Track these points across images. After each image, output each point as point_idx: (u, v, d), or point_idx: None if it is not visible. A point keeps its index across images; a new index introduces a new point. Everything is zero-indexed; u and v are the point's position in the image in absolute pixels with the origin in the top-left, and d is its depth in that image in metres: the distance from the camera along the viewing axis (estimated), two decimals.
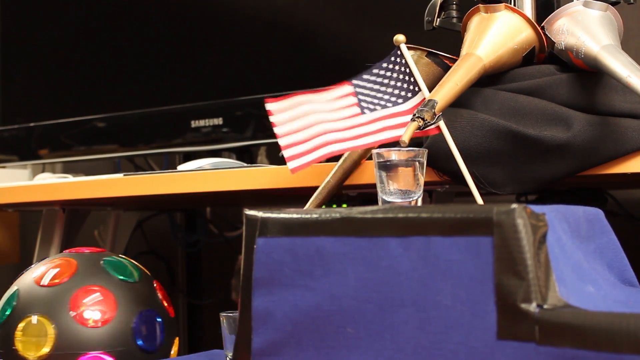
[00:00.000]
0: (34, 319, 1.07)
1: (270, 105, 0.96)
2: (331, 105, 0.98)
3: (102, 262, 1.14)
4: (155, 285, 1.16)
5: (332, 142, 0.95)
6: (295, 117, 0.96)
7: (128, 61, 1.70)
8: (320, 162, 0.98)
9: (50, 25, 1.83)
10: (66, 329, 1.07)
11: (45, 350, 1.07)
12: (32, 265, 1.16)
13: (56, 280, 1.10)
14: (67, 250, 1.20)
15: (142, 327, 1.11)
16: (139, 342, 1.10)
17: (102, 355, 1.08)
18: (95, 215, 1.86)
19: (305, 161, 0.94)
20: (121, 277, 1.13)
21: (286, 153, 0.95)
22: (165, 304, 1.15)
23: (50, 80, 1.82)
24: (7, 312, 1.09)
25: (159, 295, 1.16)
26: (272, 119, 0.96)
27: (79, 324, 1.08)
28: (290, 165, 0.94)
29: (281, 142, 0.95)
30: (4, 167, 1.90)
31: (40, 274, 1.11)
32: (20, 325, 1.08)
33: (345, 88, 0.99)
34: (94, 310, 1.09)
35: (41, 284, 1.10)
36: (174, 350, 1.15)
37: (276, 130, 0.95)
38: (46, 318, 1.07)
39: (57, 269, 1.11)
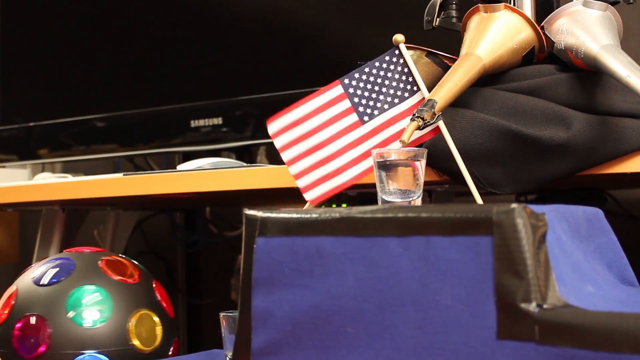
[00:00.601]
0: (143, 313, 1.10)
1: (271, 127, 0.98)
2: (327, 115, 0.99)
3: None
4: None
5: (343, 168, 0.98)
6: (298, 138, 0.98)
7: (128, 61, 1.70)
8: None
9: (50, 25, 1.83)
10: (166, 320, 1.14)
11: (158, 341, 1.11)
12: (51, 263, 1.15)
13: (134, 277, 1.14)
14: (66, 251, 1.20)
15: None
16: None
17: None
18: (95, 215, 1.86)
19: (322, 191, 0.98)
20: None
21: (299, 183, 0.98)
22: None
23: (50, 80, 1.82)
24: (108, 312, 1.08)
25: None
26: (276, 142, 0.98)
27: (168, 314, 1.15)
28: (308, 196, 0.97)
29: (291, 170, 0.98)
30: (3, 166, 1.90)
31: (119, 272, 1.13)
32: (132, 321, 1.09)
33: (336, 90, 1.00)
34: (168, 301, 1.17)
35: (128, 280, 1.13)
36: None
37: (283, 156, 0.98)
38: (152, 311, 1.12)
39: (122, 267, 1.15)
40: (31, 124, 1.80)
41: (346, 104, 0.99)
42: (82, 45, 1.77)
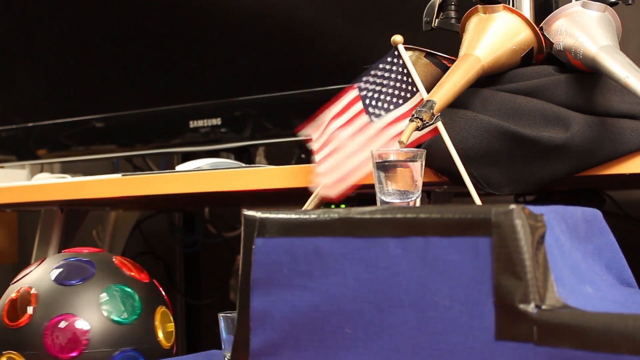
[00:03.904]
0: (163, 309, 1.13)
1: (309, 130, 1.04)
2: (345, 118, 1.03)
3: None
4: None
5: (357, 168, 1.02)
6: (325, 142, 1.03)
7: (127, 61, 1.70)
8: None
9: (49, 25, 1.83)
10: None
11: (173, 337, 1.15)
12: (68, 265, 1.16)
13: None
14: (65, 251, 1.20)
15: None
16: None
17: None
18: (94, 216, 1.86)
19: (338, 189, 1.02)
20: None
21: (322, 180, 1.03)
22: None
23: (49, 80, 1.82)
24: (139, 309, 1.11)
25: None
26: (312, 145, 1.04)
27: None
28: (328, 193, 1.02)
29: (318, 170, 1.03)
30: (2, 167, 1.89)
31: (127, 270, 1.15)
32: (157, 318, 1.12)
33: (352, 93, 1.03)
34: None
35: (139, 279, 1.15)
36: None
37: (316, 157, 1.04)
38: (167, 308, 1.15)
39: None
40: (30, 124, 1.80)
41: (359, 105, 1.03)
42: (82, 46, 1.77)
